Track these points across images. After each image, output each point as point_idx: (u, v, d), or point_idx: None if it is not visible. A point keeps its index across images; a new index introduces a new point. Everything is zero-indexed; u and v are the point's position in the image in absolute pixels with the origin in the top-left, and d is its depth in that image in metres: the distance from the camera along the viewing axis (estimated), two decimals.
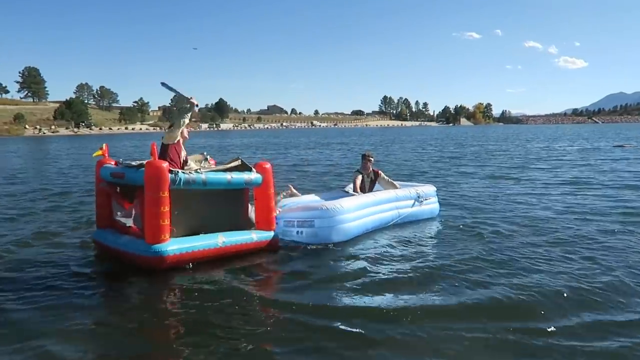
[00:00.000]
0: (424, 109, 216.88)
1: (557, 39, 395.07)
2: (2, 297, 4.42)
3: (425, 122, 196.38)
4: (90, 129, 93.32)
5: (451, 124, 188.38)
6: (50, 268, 5.32)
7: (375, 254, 5.78)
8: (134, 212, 5.79)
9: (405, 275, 4.90)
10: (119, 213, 6.07)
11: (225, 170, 5.91)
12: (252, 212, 6.29)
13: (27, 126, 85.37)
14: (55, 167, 20.23)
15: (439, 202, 8.09)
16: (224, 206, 6.01)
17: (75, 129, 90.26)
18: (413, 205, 7.46)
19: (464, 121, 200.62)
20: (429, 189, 7.95)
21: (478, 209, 8.38)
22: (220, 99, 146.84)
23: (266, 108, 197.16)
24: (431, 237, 6.65)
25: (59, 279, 4.99)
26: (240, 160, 6.10)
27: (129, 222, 5.86)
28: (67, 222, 7.78)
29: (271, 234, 6.17)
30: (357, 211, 6.49)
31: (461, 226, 7.05)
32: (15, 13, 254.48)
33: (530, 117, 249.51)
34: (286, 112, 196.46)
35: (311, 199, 7.39)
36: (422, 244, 6.28)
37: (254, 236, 5.96)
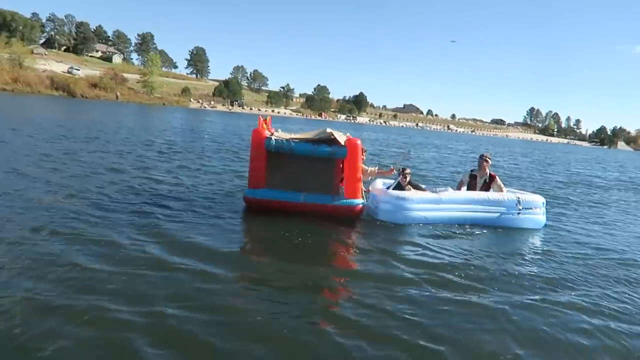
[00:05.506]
0: (575, 126, 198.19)
1: None
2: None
3: (575, 141, 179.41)
4: (242, 108, 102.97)
5: (606, 146, 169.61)
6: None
7: (440, 246, 6.20)
8: None
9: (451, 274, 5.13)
10: None
11: (313, 141, 7.18)
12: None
13: (191, 99, 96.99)
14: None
15: (546, 215, 7.93)
16: (314, 172, 7.22)
17: (230, 107, 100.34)
18: (507, 211, 7.52)
19: (622, 145, 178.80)
20: (535, 198, 7.80)
21: (596, 240, 7.55)
22: (361, 93, 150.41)
23: (402, 106, 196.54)
24: (511, 248, 6.56)
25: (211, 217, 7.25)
26: (331, 133, 7.19)
27: None
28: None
29: (355, 201, 7.19)
30: (423, 204, 7.25)
31: (557, 245, 6.85)
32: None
33: None
34: (422, 112, 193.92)
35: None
36: (495, 251, 6.25)
37: (335, 200, 7.15)
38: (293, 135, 7.60)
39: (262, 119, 7.63)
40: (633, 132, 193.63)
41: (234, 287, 4.42)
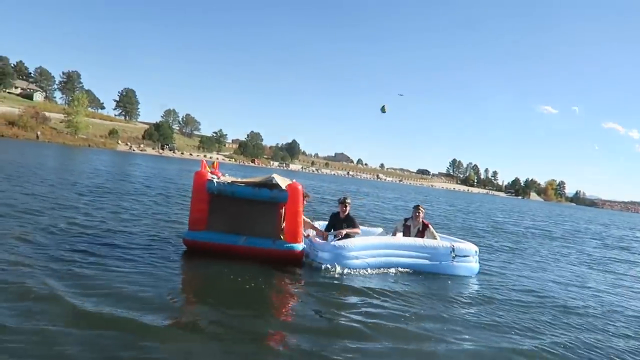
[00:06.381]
0: (492, 178, 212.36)
1: None
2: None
3: (493, 191, 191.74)
4: (174, 152, 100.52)
5: (520, 197, 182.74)
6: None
7: (380, 293, 6.25)
8: None
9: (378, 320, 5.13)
10: None
11: (255, 185, 7.26)
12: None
13: (119, 142, 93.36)
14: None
15: (479, 262, 8.23)
16: (256, 215, 7.23)
17: (161, 150, 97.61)
18: (442, 258, 7.73)
19: (533, 196, 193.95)
20: (468, 246, 8.05)
21: (530, 285, 7.94)
22: (293, 140, 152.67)
23: (333, 155, 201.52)
24: (441, 293, 6.77)
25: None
26: (273, 178, 7.31)
27: None
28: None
29: (295, 246, 7.13)
30: (362, 251, 7.27)
31: (487, 292, 7.07)
32: (124, 37, 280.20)
33: (607, 201, 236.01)
34: (352, 161, 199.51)
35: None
36: (424, 295, 6.46)
37: (276, 244, 7.08)
38: (237, 179, 7.60)
39: (205, 162, 7.62)
40: (543, 184, 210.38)
41: (168, 342, 4.15)
